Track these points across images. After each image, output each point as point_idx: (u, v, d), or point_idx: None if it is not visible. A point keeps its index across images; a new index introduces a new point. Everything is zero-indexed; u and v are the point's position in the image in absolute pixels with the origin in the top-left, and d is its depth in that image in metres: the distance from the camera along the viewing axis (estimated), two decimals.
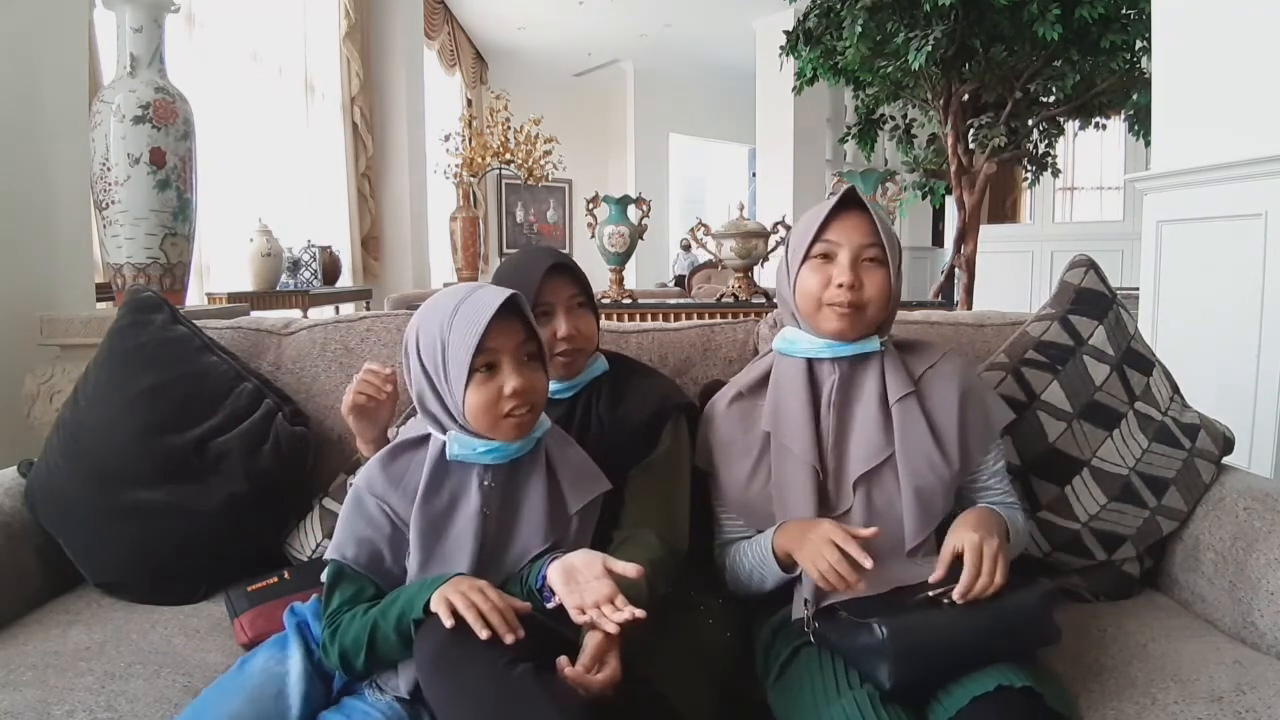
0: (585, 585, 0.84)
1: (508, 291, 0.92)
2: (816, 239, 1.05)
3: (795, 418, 1.08)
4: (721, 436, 1.13)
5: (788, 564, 1.01)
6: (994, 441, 1.11)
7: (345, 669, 0.91)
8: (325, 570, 0.94)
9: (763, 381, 1.14)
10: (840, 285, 1.03)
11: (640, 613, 0.81)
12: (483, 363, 0.91)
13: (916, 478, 1.03)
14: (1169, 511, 1.23)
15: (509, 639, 0.81)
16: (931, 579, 0.93)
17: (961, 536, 0.93)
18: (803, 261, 1.07)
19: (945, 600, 0.90)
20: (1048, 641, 0.92)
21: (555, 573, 0.87)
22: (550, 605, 0.87)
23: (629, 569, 0.84)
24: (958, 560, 0.92)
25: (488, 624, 0.80)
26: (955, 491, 1.07)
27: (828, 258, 1.05)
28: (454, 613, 0.81)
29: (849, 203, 1.06)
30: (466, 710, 0.77)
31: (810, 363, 1.10)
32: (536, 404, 0.95)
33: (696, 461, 1.15)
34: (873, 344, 1.07)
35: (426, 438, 0.98)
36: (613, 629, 0.81)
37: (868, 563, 0.90)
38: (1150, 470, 1.24)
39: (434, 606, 0.83)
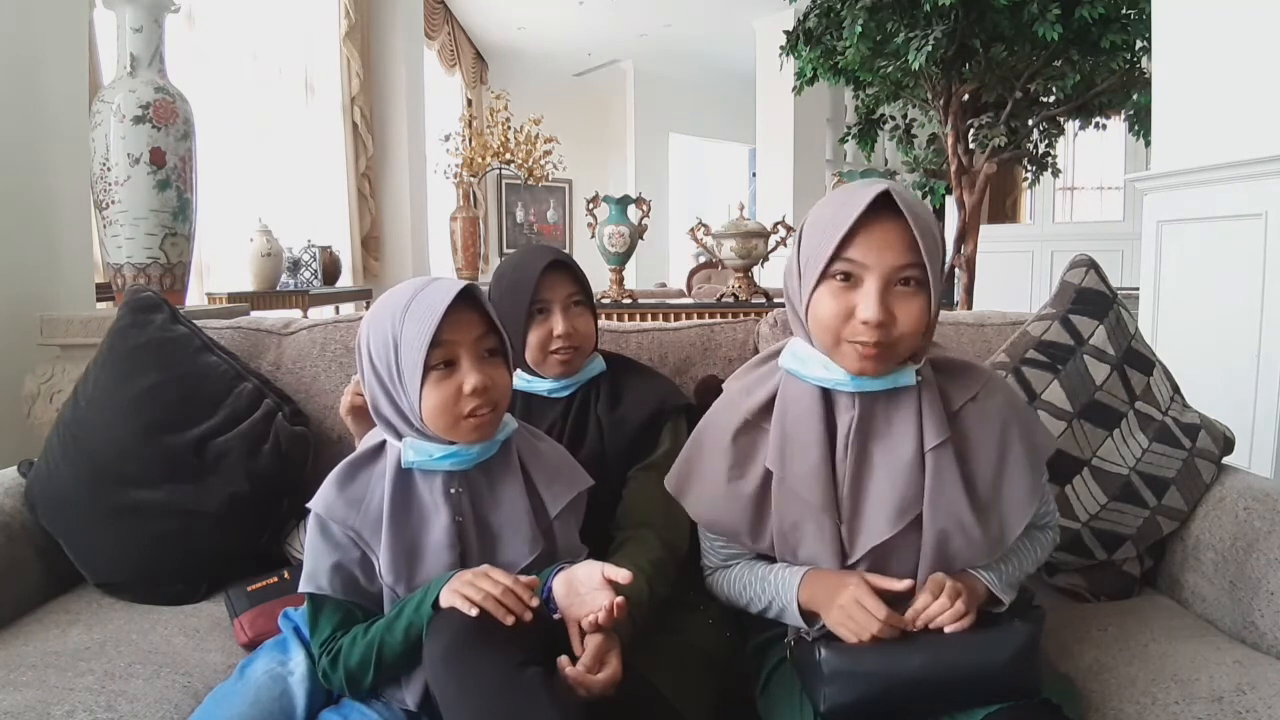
0: (586, 596, 0.84)
1: (459, 284, 0.88)
2: (837, 255, 0.82)
3: (808, 460, 0.89)
4: (718, 470, 0.95)
5: (811, 616, 0.90)
6: (1036, 501, 0.91)
7: (352, 690, 0.89)
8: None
9: (769, 406, 0.94)
10: (866, 322, 0.81)
11: (619, 599, 0.81)
12: (439, 359, 0.87)
13: (941, 543, 0.87)
14: (1169, 511, 1.23)
15: (528, 616, 0.81)
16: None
17: (930, 580, 0.86)
18: (818, 281, 0.84)
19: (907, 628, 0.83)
20: (1024, 694, 0.82)
21: (559, 585, 0.86)
22: (556, 617, 0.86)
23: (621, 575, 0.82)
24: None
25: (508, 610, 0.80)
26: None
27: (851, 280, 0.83)
28: (471, 603, 0.80)
29: (881, 207, 0.82)
30: (473, 708, 0.77)
31: (824, 392, 0.90)
32: (499, 403, 0.91)
33: (667, 484, 1.00)
34: (907, 377, 0.87)
35: (382, 447, 0.94)
36: (589, 621, 0.81)
37: (906, 625, 0.83)
38: (1150, 470, 1.24)
39: (448, 602, 0.82)
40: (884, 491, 0.87)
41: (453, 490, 0.92)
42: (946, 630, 0.82)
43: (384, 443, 0.95)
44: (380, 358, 0.89)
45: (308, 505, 0.93)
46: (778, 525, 0.92)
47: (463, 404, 0.87)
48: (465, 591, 0.81)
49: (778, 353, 0.96)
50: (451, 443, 0.91)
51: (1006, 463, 0.90)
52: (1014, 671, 0.81)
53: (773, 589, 0.93)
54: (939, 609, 0.82)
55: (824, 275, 0.84)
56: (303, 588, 0.90)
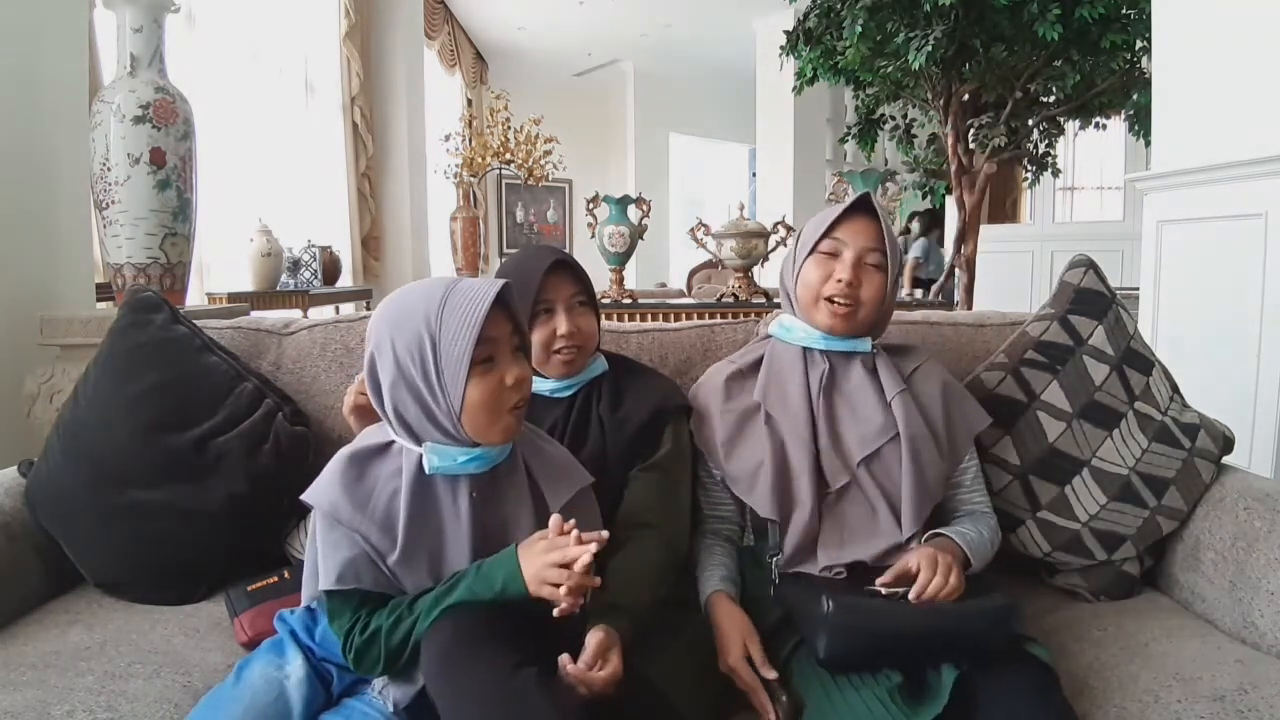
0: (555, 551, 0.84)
1: (498, 281, 0.87)
2: (825, 235, 1.11)
3: (791, 395, 1.13)
4: (715, 403, 1.18)
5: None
6: (972, 440, 1.17)
7: (389, 666, 0.87)
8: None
9: (758, 364, 1.19)
10: (840, 281, 1.09)
11: (605, 535, 0.85)
12: (483, 355, 0.86)
13: (920, 456, 1.08)
14: (1169, 511, 1.23)
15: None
16: (879, 582, 0.97)
17: (917, 553, 0.98)
18: (809, 254, 1.12)
19: (899, 598, 0.95)
20: (999, 651, 0.92)
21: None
22: (557, 613, 0.85)
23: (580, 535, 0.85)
24: (907, 575, 0.96)
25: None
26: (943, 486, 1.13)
27: (833, 255, 1.11)
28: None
29: (861, 207, 1.12)
30: (471, 711, 0.77)
31: (804, 351, 1.16)
32: (528, 399, 0.92)
33: (690, 425, 1.19)
34: (864, 344, 1.14)
35: (388, 445, 0.93)
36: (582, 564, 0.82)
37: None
38: (1150, 470, 1.24)
39: (541, 593, 0.83)
40: (859, 422, 1.11)
41: (474, 494, 0.91)
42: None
43: (391, 442, 0.93)
44: (411, 358, 0.86)
45: (301, 498, 0.91)
46: (770, 457, 1.10)
47: (506, 397, 0.88)
48: (551, 579, 0.82)
49: (764, 337, 1.23)
50: (474, 445, 0.90)
51: (950, 402, 1.16)
52: (995, 636, 0.92)
53: (700, 582, 1.11)
54: (936, 587, 0.94)
55: (814, 249, 1.12)
56: (324, 586, 0.87)
